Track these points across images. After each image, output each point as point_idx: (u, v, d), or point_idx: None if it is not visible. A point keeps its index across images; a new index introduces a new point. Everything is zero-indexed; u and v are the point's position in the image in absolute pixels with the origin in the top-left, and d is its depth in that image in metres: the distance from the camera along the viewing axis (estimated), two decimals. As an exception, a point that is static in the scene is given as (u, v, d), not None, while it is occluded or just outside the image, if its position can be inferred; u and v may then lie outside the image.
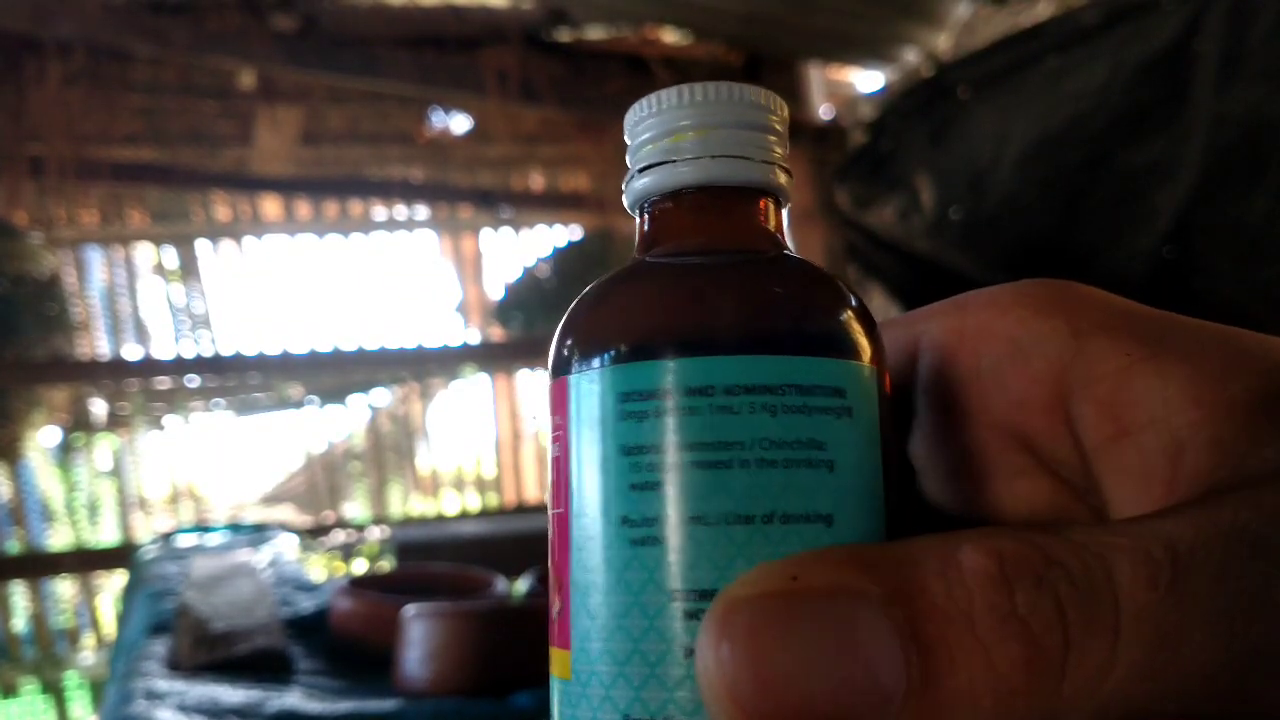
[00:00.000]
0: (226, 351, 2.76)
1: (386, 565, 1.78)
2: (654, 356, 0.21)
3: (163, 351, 2.99)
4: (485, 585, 1.14)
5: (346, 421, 3.60)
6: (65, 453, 3.05)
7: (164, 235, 3.00)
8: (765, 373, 0.20)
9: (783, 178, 0.24)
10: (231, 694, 0.85)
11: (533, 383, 3.38)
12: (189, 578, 1.15)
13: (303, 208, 2.99)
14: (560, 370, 0.23)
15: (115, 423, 3.09)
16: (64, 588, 2.80)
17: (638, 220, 0.25)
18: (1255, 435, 0.19)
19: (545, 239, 3.09)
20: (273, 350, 2.47)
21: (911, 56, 2.12)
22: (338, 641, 1.03)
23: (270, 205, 2.97)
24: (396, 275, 3.27)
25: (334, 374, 3.06)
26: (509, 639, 0.87)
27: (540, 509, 2.50)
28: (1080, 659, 0.15)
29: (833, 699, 0.15)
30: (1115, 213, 1.56)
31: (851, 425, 0.21)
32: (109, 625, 2.76)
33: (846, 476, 0.20)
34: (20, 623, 2.70)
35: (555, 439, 0.23)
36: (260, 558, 1.32)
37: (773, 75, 2.29)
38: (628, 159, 0.25)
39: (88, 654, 2.76)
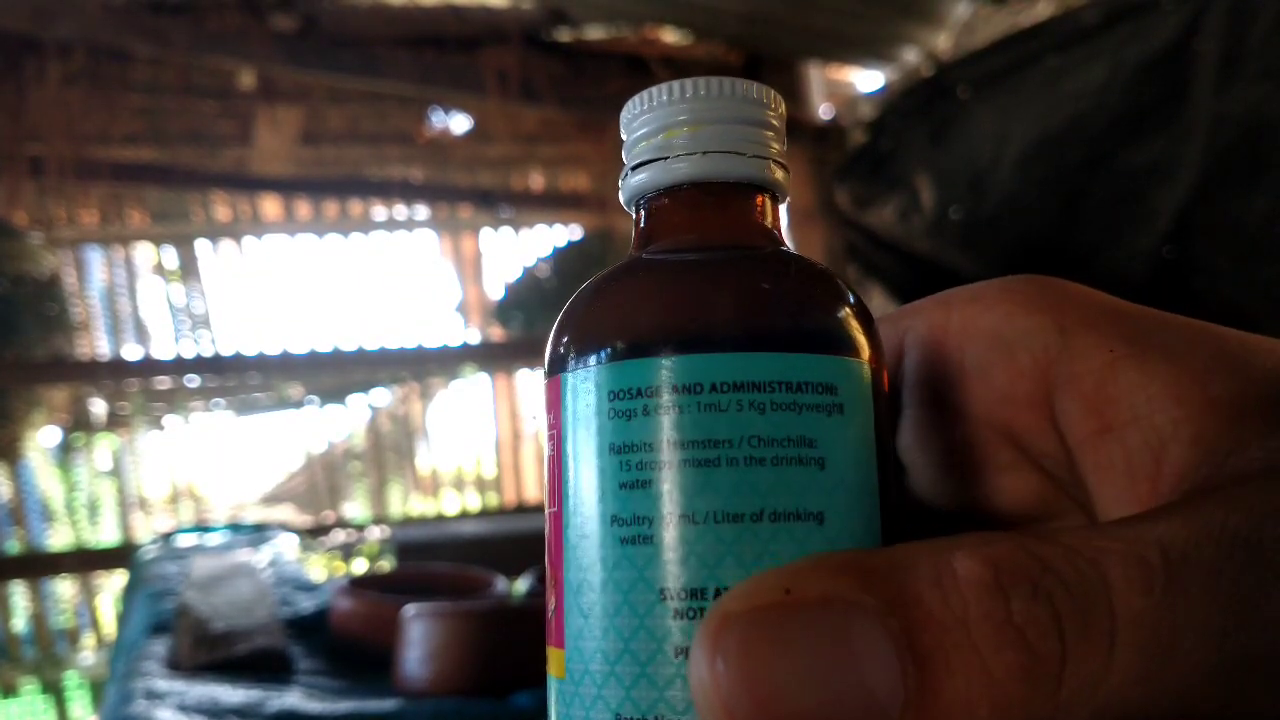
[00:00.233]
0: (226, 351, 2.76)
1: (386, 565, 1.78)
2: (641, 355, 0.21)
3: (163, 351, 2.99)
4: (485, 585, 1.14)
5: (346, 421, 3.61)
6: (65, 453, 3.05)
7: (164, 235, 3.00)
8: (753, 370, 0.20)
9: (779, 173, 0.24)
10: (231, 694, 0.85)
11: (532, 382, 3.38)
12: (189, 578, 1.15)
13: (303, 208, 2.99)
14: (553, 369, 0.23)
15: (115, 423, 3.09)
16: (64, 588, 2.80)
17: (633, 216, 0.25)
18: (1237, 434, 0.19)
19: (545, 239, 3.09)
20: (273, 350, 2.47)
21: (911, 56, 2.12)
22: (338, 641, 1.03)
23: (270, 205, 2.97)
24: (396, 275, 3.27)
25: (334, 374, 3.06)
26: (509, 639, 0.87)
27: (540, 509, 2.48)
28: (1076, 666, 0.15)
29: (830, 712, 0.15)
30: (1115, 213, 1.56)
31: (844, 422, 0.21)
32: (109, 625, 2.76)
33: (838, 474, 0.20)
34: (20, 623, 2.70)
35: (550, 437, 0.23)
36: (260, 558, 1.32)
37: (773, 75, 2.29)
38: (624, 155, 0.25)
39: (88, 654, 2.76)
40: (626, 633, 0.20)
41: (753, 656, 0.15)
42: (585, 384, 0.22)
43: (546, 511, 0.23)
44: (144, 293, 3.00)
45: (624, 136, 0.25)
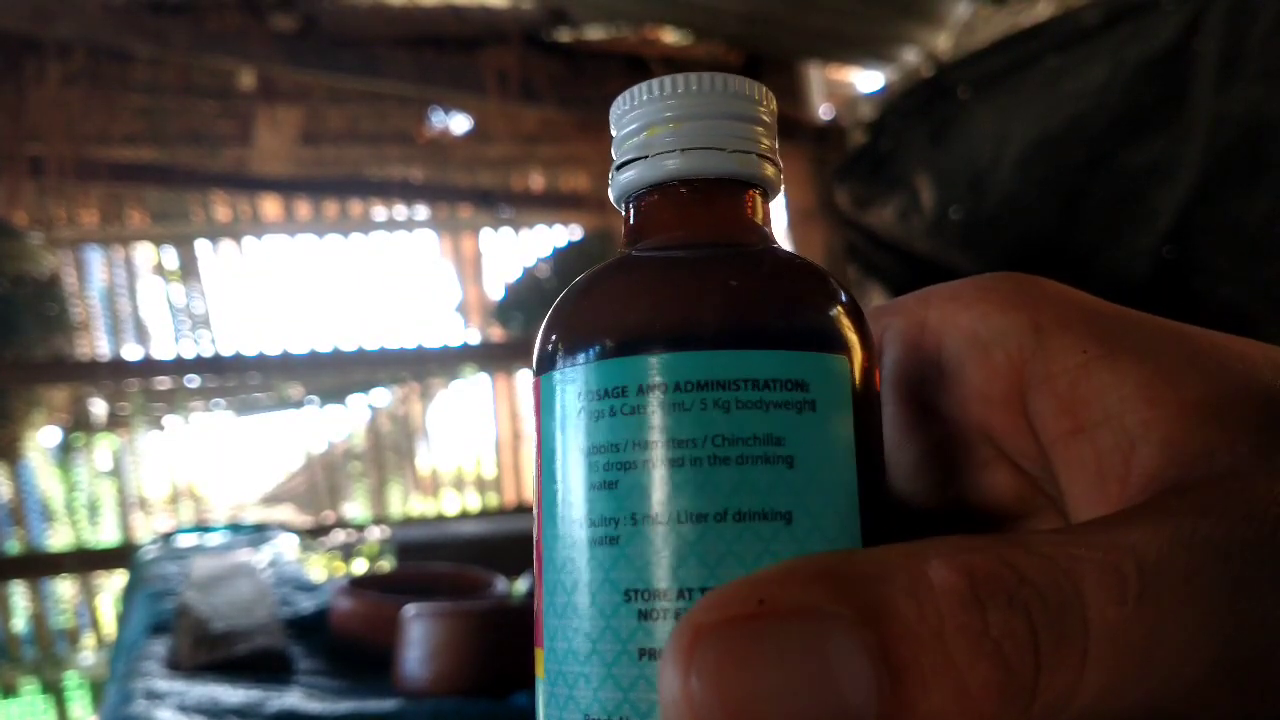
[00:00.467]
0: (226, 351, 2.76)
1: (386, 565, 1.78)
2: (609, 356, 0.21)
3: (163, 352, 2.99)
4: (485, 585, 1.14)
5: (346, 421, 3.61)
6: (65, 453, 3.05)
7: (164, 235, 3.00)
8: (717, 368, 0.20)
9: (768, 169, 0.24)
10: (231, 694, 0.85)
11: (527, 383, 3.37)
12: (189, 578, 1.15)
13: (303, 208, 2.99)
14: (536, 370, 0.23)
15: (115, 423, 3.09)
16: (64, 588, 2.80)
17: (623, 214, 0.25)
18: (1207, 436, 0.19)
19: (545, 239, 3.09)
20: (273, 350, 2.47)
21: (911, 56, 2.12)
22: (338, 641, 1.03)
23: (270, 205, 2.97)
24: (396, 275, 3.27)
25: (334, 374, 3.06)
26: (509, 639, 0.87)
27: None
28: (1050, 679, 0.15)
29: None
30: (1115, 213, 1.56)
31: (816, 420, 0.20)
32: (109, 625, 2.76)
33: (809, 473, 0.20)
34: (20, 623, 2.70)
35: (535, 438, 0.23)
36: (260, 558, 1.32)
37: (773, 75, 2.29)
38: (613, 151, 0.25)
39: (88, 654, 2.76)
40: (594, 634, 0.20)
41: (726, 672, 0.15)
42: (560, 385, 0.22)
43: (534, 512, 0.23)
44: (144, 293, 3.00)
45: (614, 132, 0.25)
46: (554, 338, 0.22)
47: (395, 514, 3.17)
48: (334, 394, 3.46)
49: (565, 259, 2.76)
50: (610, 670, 0.20)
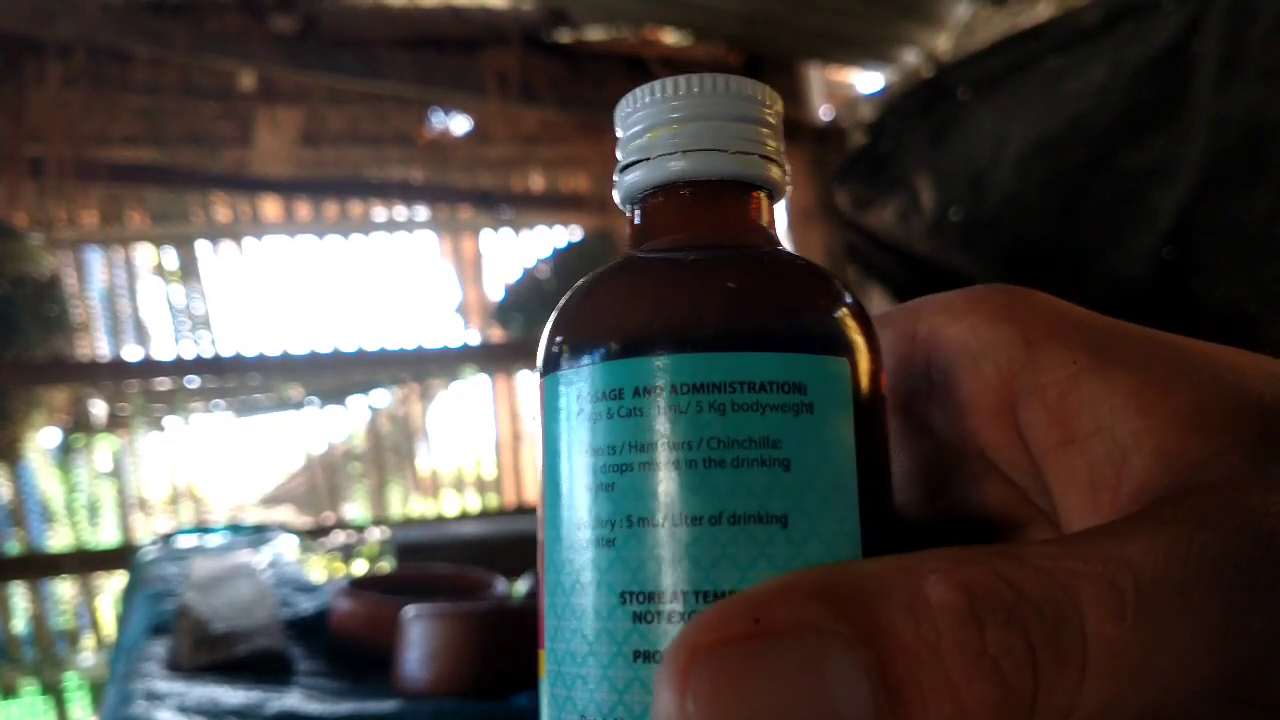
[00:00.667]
0: (226, 352, 2.76)
1: (386, 566, 1.78)
2: (608, 358, 0.21)
3: (163, 352, 2.99)
4: (485, 586, 1.14)
5: (346, 422, 3.61)
6: (65, 453, 3.05)
7: (164, 236, 3.00)
8: (714, 370, 0.20)
9: (774, 171, 0.24)
10: (231, 695, 0.85)
11: (532, 384, 3.37)
12: (189, 579, 1.15)
13: (303, 209, 2.99)
14: (540, 371, 0.23)
15: (115, 424, 3.09)
16: (64, 588, 2.80)
17: (627, 215, 0.25)
18: (1198, 446, 0.19)
19: (545, 240, 3.09)
20: (273, 351, 2.47)
21: (911, 57, 2.12)
22: (338, 642, 1.03)
23: (270, 206, 2.97)
24: (396, 276, 3.27)
25: (334, 375, 3.06)
26: (509, 640, 0.87)
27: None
28: (1048, 696, 0.15)
29: None
30: (1115, 213, 1.56)
31: (814, 423, 0.20)
32: (109, 626, 2.76)
33: (806, 476, 0.20)
34: (20, 624, 2.70)
35: (539, 439, 0.23)
36: (260, 559, 1.32)
37: (773, 76, 2.29)
38: (618, 152, 0.25)
39: (88, 655, 2.76)
40: (590, 635, 0.20)
41: (723, 693, 0.15)
42: (562, 386, 0.22)
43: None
44: (144, 294, 3.00)
45: (619, 133, 0.25)
46: (557, 339, 0.22)
47: (395, 515, 3.17)
48: (334, 395, 3.46)
49: (565, 260, 2.75)
50: (605, 672, 0.20)
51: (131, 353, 2.94)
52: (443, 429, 3.68)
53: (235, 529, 1.72)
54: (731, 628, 0.15)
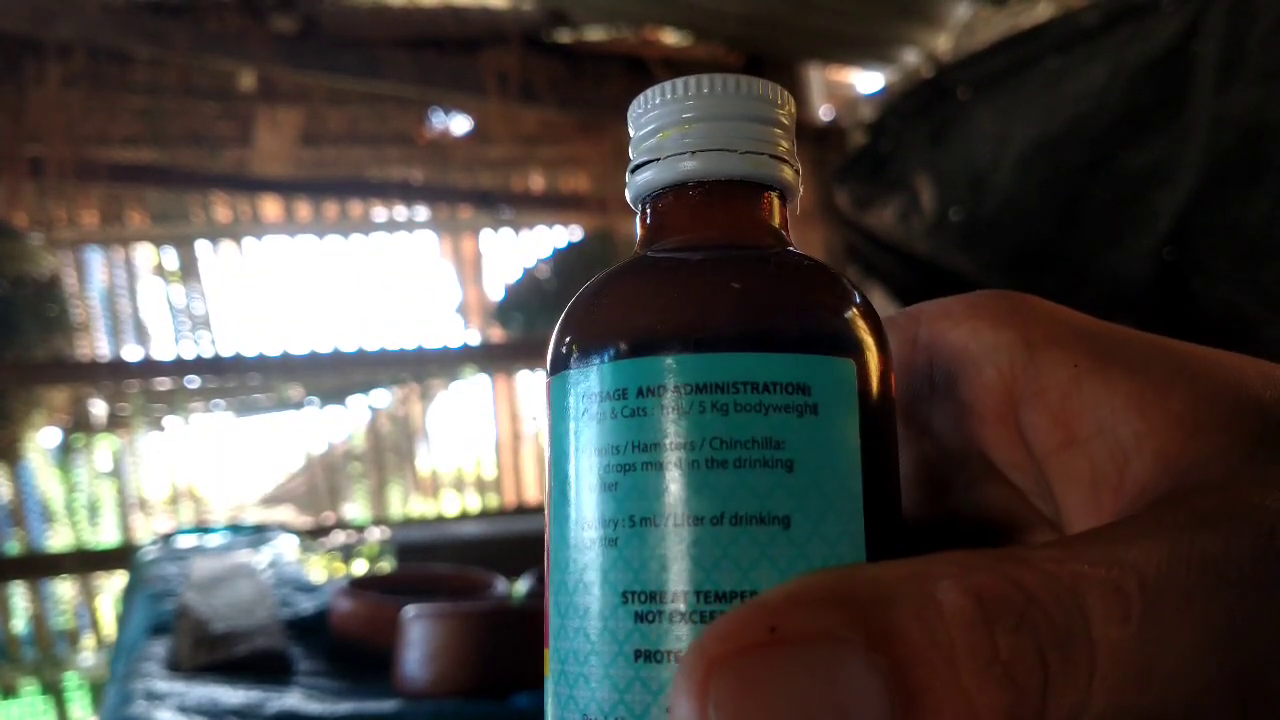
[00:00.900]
0: (226, 352, 2.76)
1: (387, 566, 1.78)
2: (612, 358, 0.21)
3: (163, 352, 2.99)
4: (485, 586, 1.14)
5: (346, 422, 3.61)
6: (65, 453, 3.05)
7: (164, 236, 3.00)
8: (716, 370, 0.20)
9: (787, 172, 0.24)
10: (231, 695, 0.85)
11: (533, 384, 3.38)
12: (189, 579, 1.15)
13: (303, 209, 2.99)
14: (548, 370, 0.23)
15: (115, 424, 3.09)
16: (64, 588, 2.80)
17: (638, 215, 0.25)
18: (1198, 447, 0.19)
19: (545, 240, 3.09)
20: (273, 351, 2.47)
21: (911, 57, 2.12)
22: (338, 642, 1.03)
23: (270, 206, 2.97)
24: (396, 276, 3.27)
25: (334, 375, 3.06)
26: (509, 640, 0.87)
27: (540, 510, 2.48)
28: (1058, 700, 0.15)
29: None
30: (1115, 214, 1.56)
31: (818, 423, 0.20)
32: (109, 626, 2.76)
33: (809, 476, 0.20)
34: (20, 624, 2.70)
35: (546, 439, 0.23)
36: (260, 559, 1.32)
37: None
38: (630, 151, 0.25)
39: (88, 655, 2.76)
40: (593, 634, 0.20)
41: (744, 704, 0.15)
42: (568, 386, 0.22)
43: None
44: (144, 294, 3.00)
45: (632, 132, 0.25)
46: (565, 339, 0.22)
47: (395, 515, 3.17)
48: (334, 395, 3.46)
49: (565, 260, 2.76)
50: (607, 671, 0.20)
51: (131, 353, 2.94)
52: (443, 429, 3.68)
53: (235, 529, 1.72)
54: (748, 637, 0.15)
